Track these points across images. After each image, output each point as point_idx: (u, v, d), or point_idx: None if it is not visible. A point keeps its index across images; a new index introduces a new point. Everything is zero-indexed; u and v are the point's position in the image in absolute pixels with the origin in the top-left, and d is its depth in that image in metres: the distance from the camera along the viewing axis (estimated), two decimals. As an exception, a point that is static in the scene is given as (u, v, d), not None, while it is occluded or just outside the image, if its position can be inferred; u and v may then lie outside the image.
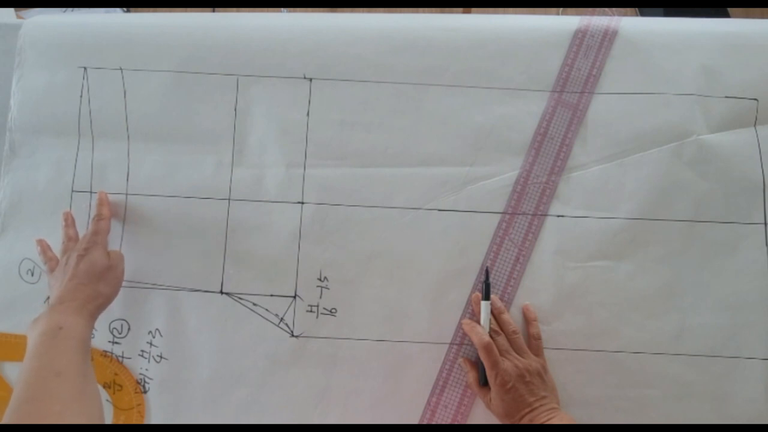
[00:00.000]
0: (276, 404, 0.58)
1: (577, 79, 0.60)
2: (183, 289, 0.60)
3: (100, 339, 0.60)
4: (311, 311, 0.59)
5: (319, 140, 0.61)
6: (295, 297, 0.59)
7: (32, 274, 0.61)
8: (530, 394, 0.52)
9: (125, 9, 1.17)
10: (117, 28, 0.63)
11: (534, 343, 0.56)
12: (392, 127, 0.61)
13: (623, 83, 0.60)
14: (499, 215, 0.59)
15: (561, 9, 1.43)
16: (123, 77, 0.62)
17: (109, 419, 0.59)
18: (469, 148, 0.60)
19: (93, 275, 0.53)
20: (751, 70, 0.59)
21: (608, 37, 0.60)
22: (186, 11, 0.67)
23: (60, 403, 0.43)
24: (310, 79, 0.61)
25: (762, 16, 1.54)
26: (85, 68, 0.62)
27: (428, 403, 0.58)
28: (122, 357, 0.59)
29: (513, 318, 0.56)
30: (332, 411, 0.58)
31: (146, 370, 0.59)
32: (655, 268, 0.58)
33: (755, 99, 0.59)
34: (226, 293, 0.60)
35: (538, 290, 0.58)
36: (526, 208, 0.59)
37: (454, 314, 0.58)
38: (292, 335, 0.59)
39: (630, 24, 0.61)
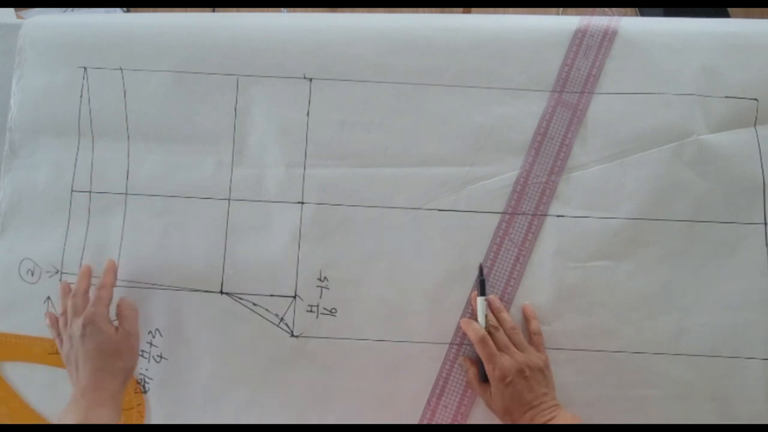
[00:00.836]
0: (276, 404, 0.58)
1: (577, 79, 0.60)
2: (183, 289, 0.60)
3: (100, 339, 0.60)
4: (311, 311, 0.59)
5: (319, 140, 0.61)
6: (295, 297, 0.59)
7: (32, 274, 0.61)
8: (529, 391, 0.51)
9: (125, 9, 1.17)
10: (117, 28, 0.63)
11: (535, 339, 0.56)
12: (392, 127, 0.61)
13: (623, 83, 0.60)
14: (499, 215, 0.59)
15: (561, 9, 1.43)
16: (123, 77, 0.62)
17: (109, 419, 0.59)
18: (469, 148, 0.60)
19: (106, 353, 0.51)
20: (751, 70, 0.59)
21: (608, 37, 0.60)
22: (186, 11, 0.67)
23: None
24: (310, 79, 0.61)
25: (762, 16, 1.54)
26: (85, 68, 0.62)
27: (428, 403, 0.58)
28: (122, 357, 0.59)
29: (512, 318, 0.57)
30: (332, 411, 0.58)
31: (146, 370, 0.59)
32: (655, 268, 0.58)
33: (755, 99, 0.59)
34: (226, 293, 0.60)
35: (538, 290, 0.58)
36: (526, 208, 0.59)
37: (454, 314, 0.58)
38: (292, 335, 0.59)
39: (630, 24, 0.61)
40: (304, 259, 0.59)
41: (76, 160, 0.62)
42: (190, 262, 0.60)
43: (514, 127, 0.60)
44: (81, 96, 0.62)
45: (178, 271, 0.60)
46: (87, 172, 0.62)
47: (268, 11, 0.73)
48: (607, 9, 1.31)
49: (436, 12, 1.48)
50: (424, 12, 1.44)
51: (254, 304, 0.59)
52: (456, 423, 0.57)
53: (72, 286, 0.56)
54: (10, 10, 0.89)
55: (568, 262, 0.58)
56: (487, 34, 0.61)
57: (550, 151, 0.60)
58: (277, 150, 0.61)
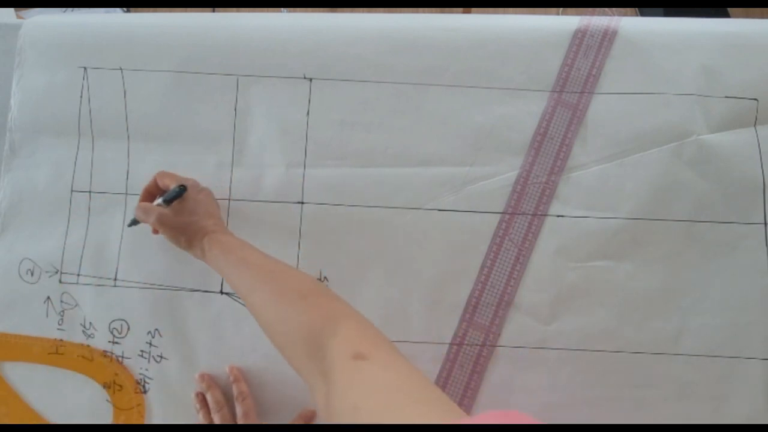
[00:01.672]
0: (276, 404, 0.58)
1: (577, 79, 0.60)
2: (183, 289, 0.60)
3: (100, 339, 0.60)
4: (311, 311, 0.59)
5: (319, 140, 0.61)
6: (295, 297, 0.59)
7: (32, 274, 0.61)
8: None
9: (125, 9, 1.17)
10: (117, 28, 0.63)
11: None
12: (392, 127, 0.61)
13: (623, 83, 0.60)
14: (499, 215, 0.59)
15: (561, 9, 1.43)
16: (123, 77, 0.62)
17: (109, 419, 0.59)
18: (469, 148, 0.60)
19: None
20: (751, 70, 0.59)
21: (608, 37, 0.60)
22: (186, 11, 0.67)
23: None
24: (310, 79, 0.61)
25: (762, 16, 1.54)
26: (85, 68, 0.62)
27: (428, 403, 0.58)
28: (122, 357, 0.59)
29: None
30: (332, 411, 0.58)
31: (146, 370, 0.59)
32: (655, 268, 0.58)
33: (755, 99, 0.59)
34: (226, 293, 0.60)
35: (538, 290, 0.58)
36: (526, 208, 0.59)
37: (454, 314, 0.58)
38: (292, 335, 0.59)
39: (630, 24, 0.61)
40: (304, 259, 0.59)
41: (76, 160, 0.62)
42: (190, 262, 0.60)
43: (514, 127, 0.60)
44: (81, 96, 0.62)
45: (178, 271, 0.60)
46: (87, 172, 0.62)
47: (268, 11, 0.73)
48: (607, 9, 1.31)
49: (436, 12, 1.48)
50: (424, 12, 1.44)
51: (254, 304, 0.59)
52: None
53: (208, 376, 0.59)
54: (10, 10, 0.89)
55: (568, 262, 0.58)
56: (487, 34, 0.61)
57: (550, 151, 0.60)
58: (277, 150, 0.61)
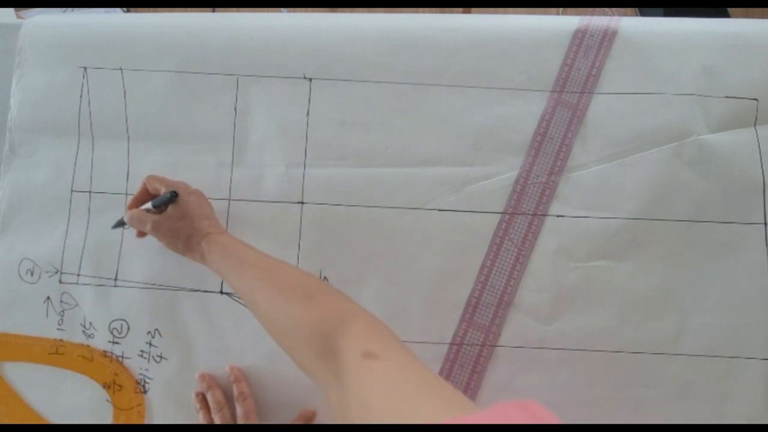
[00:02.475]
0: (276, 404, 0.58)
1: (577, 79, 0.60)
2: (183, 289, 0.60)
3: (100, 339, 0.60)
4: (311, 311, 0.59)
5: (319, 140, 0.61)
6: (295, 297, 0.59)
7: (32, 274, 0.61)
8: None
9: (125, 9, 1.17)
10: (117, 28, 0.63)
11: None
12: (392, 127, 0.61)
13: (623, 83, 0.60)
14: (499, 215, 0.59)
15: (561, 9, 1.43)
16: (123, 77, 0.62)
17: (109, 419, 0.59)
18: (469, 148, 0.60)
19: None
20: (751, 70, 0.59)
21: (608, 37, 0.60)
22: (186, 11, 0.67)
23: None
24: (310, 79, 0.61)
25: (762, 16, 1.54)
26: (85, 68, 0.62)
27: (428, 403, 0.58)
28: (122, 357, 0.59)
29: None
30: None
31: (146, 370, 0.59)
32: (655, 268, 0.58)
33: (755, 99, 0.59)
34: (226, 293, 0.60)
35: (538, 290, 0.58)
36: (526, 208, 0.59)
37: (454, 314, 0.58)
38: (292, 335, 0.59)
39: (630, 24, 0.61)
40: (304, 259, 0.59)
41: (76, 160, 0.62)
42: (190, 262, 0.60)
43: (514, 127, 0.60)
44: (81, 96, 0.62)
45: (178, 271, 0.60)
46: (87, 172, 0.62)
47: (268, 11, 0.73)
48: (607, 9, 1.31)
49: (436, 12, 1.48)
50: (424, 12, 1.44)
51: (254, 304, 0.59)
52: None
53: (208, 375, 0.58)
54: (10, 10, 0.89)
55: (568, 262, 0.58)
56: (487, 34, 0.61)
57: (550, 151, 0.60)
58: (277, 150, 0.61)
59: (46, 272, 0.60)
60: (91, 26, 0.63)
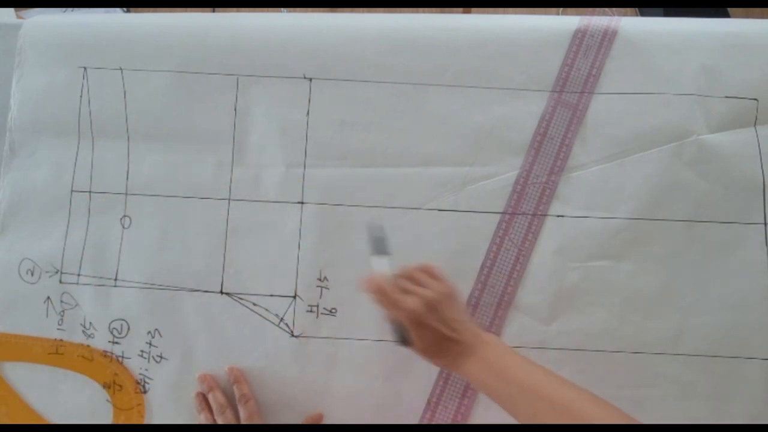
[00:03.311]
0: (276, 404, 0.58)
1: (577, 79, 0.60)
2: (183, 289, 0.60)
3: (100, 339, 0.60)
4: (311, 311, 0.59)
5: (319, 140, 0.61)
6: (295, 297, 0.59)
7: (32, 274, 0.61)
8: (444, 324, 0.47)
9: (125, 9, 1.17)
10: (117, 28, 0.63)
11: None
12: (392, 127, 0.61)
13: (623, 83, 0.60)
14: (499, 215, 0.59)
15: (561, 9, 1.43)
16: (123, 77, 0.62)
17: (109, 419, 0.59)
18: (469, 148, 0.60)
19: None
20: (751, 70, 0.59)
21: (608, 37, 0.60)
22: (186, 11, 0.67)
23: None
24: (310, 79, 0.61)
25: (762, 16, 1.54)
26: (85, 68, 0.62)
27: (428, 403, 0.58)
28: (122, 357, 0.59)
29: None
30: (332, 411, 0.58)
31: (146, 370, 0.59)
32: (655, 268, 0.58)
33: (755, 99, 0.59)
34: (226, 293, 0.60)
35: (538, 290, 0.58)
36: (526, 208, 0.59)
37: (454, 314, 0.58)
38: (292, 335, 0.59)
39: (630, 24, 0.61)
40: (304, 259, 0.59)
41: (76, 160, 0.62)
42: (190, 262, 0.60)
43: (514, 127, 0.60)
44: (81, 96, 0.62)
45: (178, 271, 0.60)
46: (87, 172, 0.62)
47: (268, 11, 0.73)
48: (607, 9, 1.31)
49: (436, 12, 1.48)
50: (424, 12, 1.44)
51: (254, 304, 0.59)
52: (456, 423, 0.57)
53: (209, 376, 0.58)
54: (10, 10, 0.89)
55: (568, 262, 0.58)
56: (487, 34, 0.61)
57: (550, 151, 0.60)
58: (277, 150, 0.61)
59: (46, 272, 0.60)
60: (91, 26, 0.63)
